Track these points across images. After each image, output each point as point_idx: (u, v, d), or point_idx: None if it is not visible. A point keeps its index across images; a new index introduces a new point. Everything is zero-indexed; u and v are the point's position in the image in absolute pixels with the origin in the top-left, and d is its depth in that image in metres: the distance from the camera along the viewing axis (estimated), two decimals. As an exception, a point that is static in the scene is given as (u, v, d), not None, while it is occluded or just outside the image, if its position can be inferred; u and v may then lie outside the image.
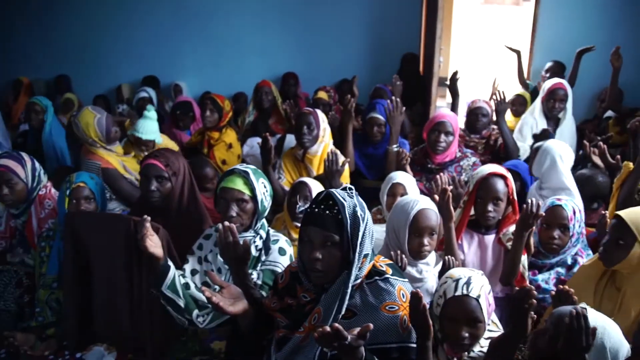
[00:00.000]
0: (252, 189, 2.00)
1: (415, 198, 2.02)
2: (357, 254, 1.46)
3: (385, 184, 2.60)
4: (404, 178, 2.57)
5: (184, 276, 2.06)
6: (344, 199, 1.48)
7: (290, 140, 3.75)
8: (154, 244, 1.88)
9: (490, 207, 2.12)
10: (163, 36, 5.74)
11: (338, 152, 2.91)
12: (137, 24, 5.81)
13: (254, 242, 2.04)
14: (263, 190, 2.04)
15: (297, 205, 2.49)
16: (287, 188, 3.02)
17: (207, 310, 2.04)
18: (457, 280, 1.53)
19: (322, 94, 4.30)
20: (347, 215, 1.45)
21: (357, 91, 4.34)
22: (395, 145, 3.22)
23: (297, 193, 2.52)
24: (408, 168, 2.90)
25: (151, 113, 3.29)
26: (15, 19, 6.37)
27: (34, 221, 2.56)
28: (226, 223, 1.77)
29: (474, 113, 3.59)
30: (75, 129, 3.10)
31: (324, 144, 3.12)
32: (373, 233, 1.55)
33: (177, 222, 2.28)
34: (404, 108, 3.24)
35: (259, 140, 4.26)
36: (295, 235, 2.54)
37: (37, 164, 2.69)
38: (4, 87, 6.60)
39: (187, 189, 2.32)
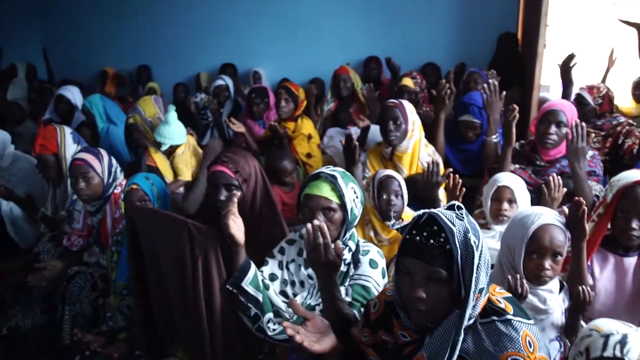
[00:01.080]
0: (341, 196, 1.73)
1: (538, 211, 1.64)
2: (471, 292, 1.16)
3: (489, 186, 2.23)
4: (512, 180, 2.18)
5: (262, 276, 1.85)
6: (452, 224, 1.17)
7: (375, 131, 3.44)
8: (237, 226, 1.69)
9: (635, 224, 1.70)
10: (241, 23, 5.60)
11: (440, 161, 2.58)
12: (214, 12, 5.72)
13: (342, 255, 1.78)
14: (353, 196, 1.76)
15: (391, 204, 2.22)
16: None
17: (281, 319, 1.82)
18: (606, 337, 1.17)
19: (407, 81, 3.82)
20: (457, 245, 1.15)
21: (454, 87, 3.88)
22: (494, 136, 2.81)
23: (386, 188, 2.25)
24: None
25: (170, 116, 3.00)
26: (102, 13, 6.54)
27: (108, 220, 2.46)
28: (315, 222, 1.53)
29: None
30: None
31: (415, 139, 2.73)
32: (489, 262, 1.24)
33: (251, 229, 2.06)
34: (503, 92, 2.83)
35: (339, 130, 4.06)
36: (386, 236, 2.31)
37: (113, 160, 2.60)
38: (92, 77, 6.83)
39: (259, 194, 2.07)
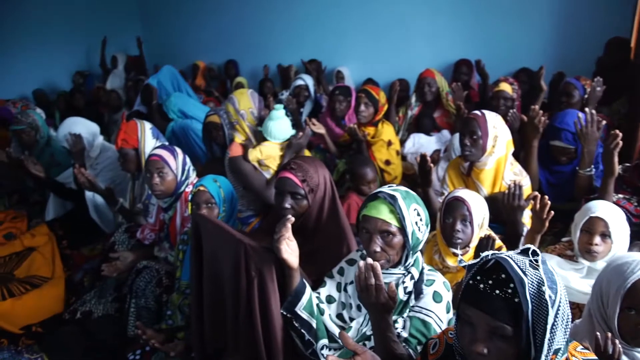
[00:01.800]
0: (401, 219, 1.58)
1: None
2: (542, 355, 0.99)
3: (581, 215, 1.97)
4: (609, 212, 1.90)
5: (319, 299, 1.77)
6: (524, 273, 1.01)
7: (454, 141, 3.26)
8: (291, 250, 1.60)
9: None
10: (327, 21, 5.54)
11: (523, 182, 2.35)
12: (301, 9, 5.71)
13: (403, 282, 1.64)
14: (415, 219, 1.60)
15: (455, 229, 2.02)
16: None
17: (336, 345, 1.73)
18: None
19: (505, 86, 3.46)
20: (528, 299, 0.99)
21: (545, 86, 3.57)
22: (588, 169, 2.51)
23: (452, 212, 2.05)
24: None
25: (277, 113, 2.98)
26: (196, 8, 6.77)
27: (178, 218, 2.49)
28: (369, 260, 1.42)
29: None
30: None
31: (497, 156, 2.47)
32: (569, 319, 1.06)
33: (314, 242, 1.98)
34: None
35: (422, 136, 3.87)
36: (453, 263, 2.10)
37: (187, 159, 2.63)
38: (185, 70, 7.09)
39: (327, 206, 1.98)
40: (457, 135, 3.31)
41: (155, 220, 2.70)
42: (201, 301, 1.94)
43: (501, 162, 2.48)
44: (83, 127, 3.38)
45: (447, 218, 2.05)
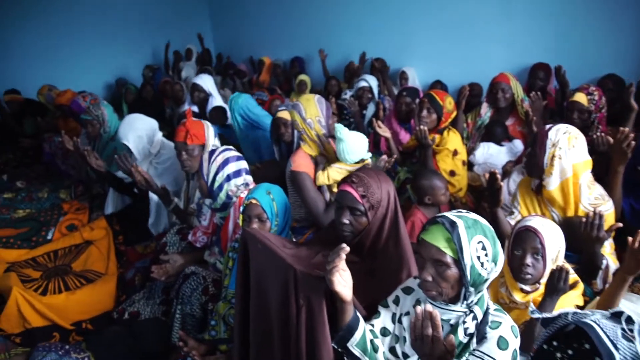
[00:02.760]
0: (458, 250, 1.39)
1: None
2: None
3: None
4: None
5: (373, 333, 1.61)
6: (615, 346, 0.82)
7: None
8: (344, 281, 1.45)
9: None
10: (395, 18, 5.33)
11: (604, 208, 2.08)
12: (369, 5, 5.52)
13: (464, 321, 1.46)
14: (479, 253, 1.40)
15: (524, 263, 1.80)
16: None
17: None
18: None
19: (580, 97, 3.09)
20: None
21: (636, 105, 3.10)
22: None
23: (522, 243, 1.82)
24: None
25: (345, 132, 2.64)
26: (263, 3, 6.76)
27: (230, 224, 2.40)
28: (429, 307, 1.27)
29: None
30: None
31: (563, 177, 2.21)
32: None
33: (370, 263, 1.83)
34: None
35: (492, 146, 3.59)
36: (521, 299, 1.88)
37: (244, 163, 2.54)
38: (250, 65, 7.13)
39: (388, 225, 1.81)
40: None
41: (209, 223, 2.64)
42: (245, 320, 1.84)
43: (569, 185, 2.21)
44: (142, 123, 3.40)
45: (516, 249, 1.83)
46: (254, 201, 2.07)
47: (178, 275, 2.47)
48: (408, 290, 1.66)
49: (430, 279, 1.43)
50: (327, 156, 2.80)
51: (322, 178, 2.71)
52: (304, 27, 6.31)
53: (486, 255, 1.42)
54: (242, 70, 6.91)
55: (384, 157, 2.79)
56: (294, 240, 2.38)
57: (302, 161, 2.78)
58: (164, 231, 3.11)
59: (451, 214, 1.46)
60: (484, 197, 3.39)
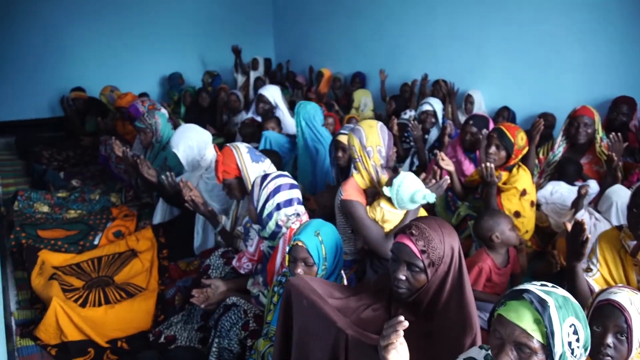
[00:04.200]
0: (549, 335, 1.18)
1: None
2: None
3: None
4: None
5: None
6: None
7: (617, 195, 2.68)
8: (400, 357, 1.28)
9: None
10: (463, 39, 5.04)
11: None
12: (435, 23, 5.29)
13: None
14: (570, 338, 1.18)
15: (604, 344, 1.53)
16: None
17: None
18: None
19: None
20: None
21: None
22: None
23: (604, 320, 1.55)
24: None
25: (408, 181, 2.40)
26: (328, 16, 6.67)
27: (278, 256, 2.24)
28: None
29: None
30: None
31: None
32: None
33: (428, 325, 1.63)
34: None
35: (563, 185, 3.27)
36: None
37: (297, 192, 2.38)
38: (309, 75, 7.05)
39: (450, 284, 1.60)
40: (619, 192, 2.74)
41: (255, 249, 2.50)
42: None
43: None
44: (195, 133, 3.33)
45: (595, 325, 1.57)
46: (300, 243, 1.89)
47: (219, 303, 2.34)
48: (471, 361, 1.44)
49: None
50: (379, 191, 2.59)
51: (373, 214, 2.52)
52: (370, 42, 6.15)
53: (577, 340, 1.20)
54: (299, 81, 6.84)
55: (447, 177, 2.57)
56: (343, 275, 2.18)
57: (353, 190, 2.60)
58: (209, 249, 3.01)
59: (538, 289, 1.23)
60: (549, 238, 3.10)
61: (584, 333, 1.21)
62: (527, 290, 1.23)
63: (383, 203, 2.49)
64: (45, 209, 3.85)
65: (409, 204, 2.42)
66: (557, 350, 1.17)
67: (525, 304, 1.21)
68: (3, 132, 6.19)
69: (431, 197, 2.37)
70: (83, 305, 2.66)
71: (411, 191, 2.38)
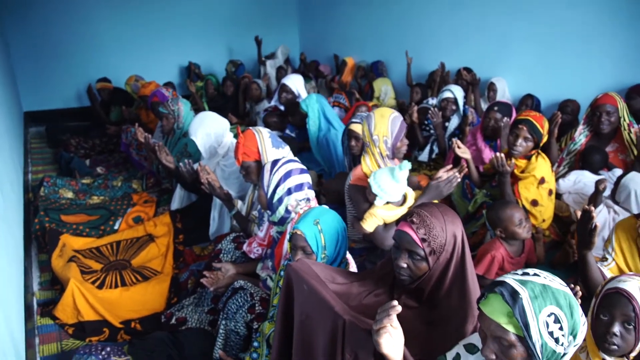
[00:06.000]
0: (522, 327, 1.15)
1: None
2: None
3: None
4: None
5: None
6: None
7: (635, 187, 2.60)
8: (394, 341, 1.26)
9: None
10: (486, 25, 4.91)
11: None
12: (459, 10, 5.18)
13: None
14: (551, 328, 1.15)
15: (610, 332, 1.49)
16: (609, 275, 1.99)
17: None
18: None
19: None
20: None
21: None
22: None
23: (611, 308, 1.50)
24: None
25: (399, 174, 2.33)
26: (352, 5, 6.61)
27: (286, 241, 2.25)
28: None
29: None
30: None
31: None
32: None
33: (429, 312, 1.61)
34: None
35: (587, 174, 3.16)
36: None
37: (307, 177, 2.38)
38: (331, 63, 7.02)
39: (452, 272, 1.56)
40: (636, 179, 2.66)
41: (265, 234, 2.52)
42: (284, 344, 1.70)
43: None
44: (213, 121, 3.34)
45: (602, 313, 1.52)
46: (298, 232, 1.88)
47: (228, 286, 2.36)
48: (471, 349, 1.42)
49: (494, 357, 1.22)
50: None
51: (375, 223, 2.45)
52: (394, 30, 6.07)
53: (561, 328, 1.16)
54: (321, 70, 6.82)
55: (457, 174, 2.44)
56: (350, 261, 2.17)
57: (362, 175, 2.59)
58: (223, 234, 3.04)
59: (514, 280, 1.21)
60: (568, 228, 3.01)
61: (569, 320, 1.17)
62: (502, 283, 1.21)
63: (377, 210, 2.41)
64: (70, 194, 3.95)
65: (396, 185, 2.34)
66: (535, 341, 1.15)
67: (498, 297, 1.20)
68: (34, 122, 6.37)
69: (406, 164, 2.29)
70: (100, 287, 2.73)
71: (387, 173, 2.33)
